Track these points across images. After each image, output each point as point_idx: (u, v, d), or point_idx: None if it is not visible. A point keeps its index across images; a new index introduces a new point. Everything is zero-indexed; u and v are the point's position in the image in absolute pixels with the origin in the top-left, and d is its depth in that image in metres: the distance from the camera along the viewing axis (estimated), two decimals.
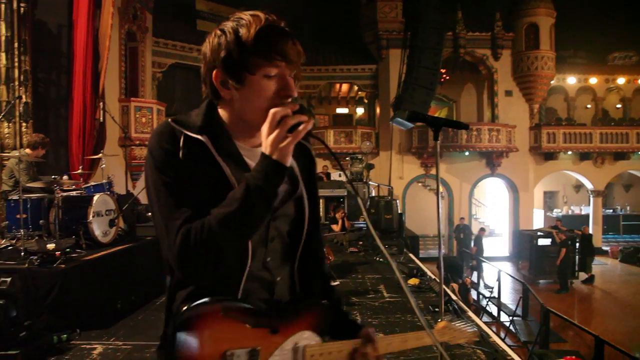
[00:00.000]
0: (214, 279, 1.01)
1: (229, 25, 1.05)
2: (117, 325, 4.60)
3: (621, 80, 22.32)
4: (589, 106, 22.81)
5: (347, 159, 15.96)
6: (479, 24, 18.38)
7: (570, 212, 21.64)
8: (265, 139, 0.98)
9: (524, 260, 16.76)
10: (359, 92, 21.14)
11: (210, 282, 1.01)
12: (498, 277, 11.71)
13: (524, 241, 17.08)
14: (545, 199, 22.88)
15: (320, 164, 17.05)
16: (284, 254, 1.16)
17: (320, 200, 11.02)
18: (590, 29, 20.75)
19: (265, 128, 0.98)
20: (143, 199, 6.86)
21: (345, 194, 12.81)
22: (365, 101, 21.46)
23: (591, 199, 19.89)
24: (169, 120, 1.09)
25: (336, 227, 9.63)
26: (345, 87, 20.91)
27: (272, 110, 0.98)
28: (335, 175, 16.05)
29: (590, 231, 17.05)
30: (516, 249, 18.31)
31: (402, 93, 13.38)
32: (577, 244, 15.04)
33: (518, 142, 18.58)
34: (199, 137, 1.06)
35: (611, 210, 22.16)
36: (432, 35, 12.78)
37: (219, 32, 1.06)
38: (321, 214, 11.79)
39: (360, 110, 23.14)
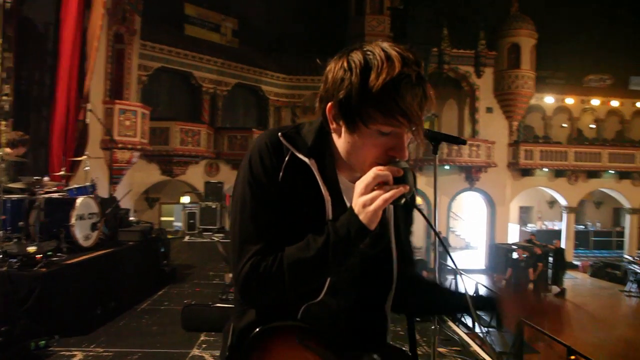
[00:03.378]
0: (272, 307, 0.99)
1: (356, 58, 0.93)
2: (98, 332, 4.53)
3: (595, 102, 23.09)
4: (564, 125, 23.48)
5: None
6: (464, 41, 18.78)
7: (543, 227, 22.13)
8: (357, 197, 0.92)
9: (499, 273, 17.06)
10: None
11: (267, 310, 1.00)
12: (475, 290, 11.88)
13: (499, 254, 17.40)
14: (521, 214, 23.35)
15: None
16: (362, 288, 1.10)
17: None
18: (568, 52, 21.41)
19: (359, 186, 0.92)
20: (124, 203, 6.81)
21: None
22: None
23: (564, 215, 20.38)
24: (280, 134, 1.02)
25: None
26: None
27: (372, 172, 0.91)
28: None
29: (563, 246, 17.50)
30: (492, 262, 18.63)
31: None
32: (551, 258, 15.39)
33: (497, 158, 18.96)
34: (306, 159, 1.00)
35: (582, 227, 22.75)
36: (419, 50, 12.99)
37: (345, 64, 0.94)
38: None
39: None
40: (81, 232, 5.14)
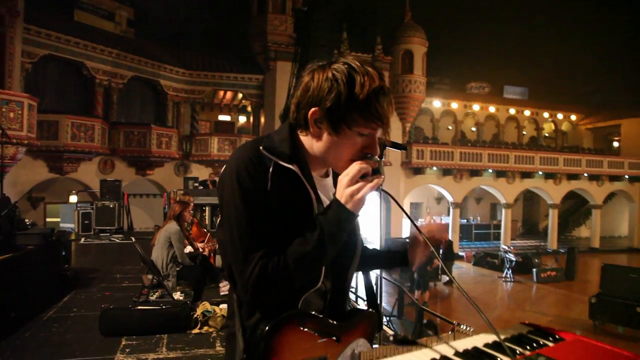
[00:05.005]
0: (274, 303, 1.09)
1: (342, 72, 1.07)
2: (1, 345, 4.14)
3: (476, 107, 25.53)
4: (450, 127, 25.67)
5: None
6: (362, 45, 19.64)
7: (432, 222, 23.82)
8: (343, 189, 1.05)
9: None
10: (243, 101, 21.16)
11: (270, 308, 1.09)
12: (377, 281, 12.56)
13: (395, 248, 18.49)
14: (411, 210, 25.02)
15: (206, 172, 16.72)
16: (337, 268, 1.24)
17: (207, 208, 10.78)
18: (453, 60, 23.42)
19: (345, 179, 1.05)
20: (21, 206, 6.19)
21: None
22: (249, 110, 21.54)
23: (451, 210, 22.25)
24: (260, 147, 1.11)
25: None
26: (229, 94, 20.77)
27: (357, 166, 1.05)
28: None
29: (450, 238, 19.13)
30: None
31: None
32: (440, 250, 16.74)
33: (391, 157, 20.13)
34: (290, 166, 1.10)
35: (465, 220, 25.01)
36: (322, 52, 13.40)
37: (331, 76, 1.07)
38: (207, 221, 11.65)
39: (242, 119, 23.14)
40: None
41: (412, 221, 1.29)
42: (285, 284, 1.05)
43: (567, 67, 31.11)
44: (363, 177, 1.06)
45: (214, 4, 19.85)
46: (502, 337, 1.21)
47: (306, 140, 1.15)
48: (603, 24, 32.59)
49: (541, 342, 1.21)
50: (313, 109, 1.09)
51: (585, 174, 23.93)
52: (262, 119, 19.46)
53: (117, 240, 11.00)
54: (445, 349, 1.17)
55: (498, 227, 24.33)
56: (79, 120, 13.53)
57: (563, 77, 30.12)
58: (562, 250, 20.17)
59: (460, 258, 20.47)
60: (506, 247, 18.41)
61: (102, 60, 15.25)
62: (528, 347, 1.17)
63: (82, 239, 11.01)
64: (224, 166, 1.16)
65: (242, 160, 1.09)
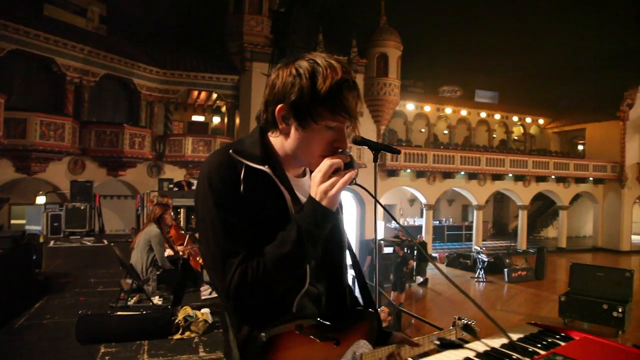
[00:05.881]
0: (266, 310, 1.05)
1: (304, 66, 1.07)
2: None
3: (448, 110, 25.97)
4: (423, 130, 26.04)
5: None
6: (338, 48, 19.70)
7: (406, 223, 24.21)
8: (317, 186, 1.05)
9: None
10: (218, 101, 20.94)
11: (261, 316, 1.05)
12: (352, 282, 12.61)
13: (370, 249, 18.62)
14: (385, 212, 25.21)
15: (180, 173, 16.47)
16: (328, 270, 1.24)
17: (182, 210, 10.63)
18: (427, 64, 23.76)
19: (317, 176, 1.05)
20: None
21: None
22: (223, 110, 21.33)
23: (424, 211, 22.53)
24: (230, 151, 1.10)
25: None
26: (203, 94, 20.51)
27: (328, 162, 1.05)
28: None
29: (424, 239, 19.38)
30: (362, 257, 19.83)
31: None
32: (415, 252, 16.93)
33: (366, 159, 20.24)
34: (262, 167, 1.09)
35: (438, 222, 25.39)
36: (299, 53, 13.37)
37: (294, 70, 1.08)
38: (182, 223, 11.47)
39: (216, 119, 22.90)
40: None
41: (390, 215, 1.28)
42: (267, 289, 1.03)
43: (535, 72, 32.00)
44: (336, 172, 1.05)
45: (190, 3, 19.57)
46: (515, 337, 1.23)
47: (277, 140, 1.15)
48: (569, 32, 33.67)
49: (553, 342, 1.23)
50: (279, 106, 1.09)
51: (553, 176, 24.64)
52: (237, 120, 19.28)
53: (89, 243, 10.70)
54: (465, 352, 1.18)
55: (470, 228, 24.77)
56: (49, 119, 13.11)
57: (531, 82, 30.95)
58: (532, 250, 20.69)
59: (434, 259, 20.74)
60: (478, 248, 18.78)
61: (73, 56, 14.79)
62: (542, 347, 1.19)
63: (52, 242, 10.65)
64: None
65: (213, 165, 1.08)
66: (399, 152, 1.57)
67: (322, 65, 1.07)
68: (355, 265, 1.38)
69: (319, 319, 1.13)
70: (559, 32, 33.55)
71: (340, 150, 1.09)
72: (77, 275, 7.27)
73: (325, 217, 1.04)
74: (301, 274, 1.11)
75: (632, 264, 21.30)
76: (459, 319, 1.68)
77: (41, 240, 8.10)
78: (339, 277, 1.28)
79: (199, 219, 1.10)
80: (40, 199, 15.58)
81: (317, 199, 1.04)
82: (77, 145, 14.41)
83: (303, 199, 1.14)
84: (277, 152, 1.15)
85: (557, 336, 1.28)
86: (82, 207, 11.87)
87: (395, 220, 1.29)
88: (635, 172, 25.84)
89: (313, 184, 1.06)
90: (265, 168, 1.10)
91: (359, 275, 1.38)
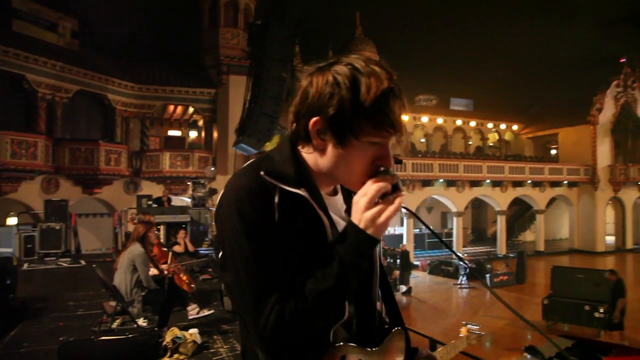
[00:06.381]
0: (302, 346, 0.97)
1: (344, 74, 0.95)
2: None
3: (425, 119, 26.31)
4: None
5: (188, 183, 15.46)
6: (314, 59, 19.71)
7: (387, 233, 24.27)
8: (362, 213, 0.93)
9: None
10: (194, 115, 20.72)
11: (297, 352, 0.96)
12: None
13: None
14: None
15: (159, 189, 16.17)
16: (358, 290, 1.14)
17: (161, 227, 10.41)
18: (402, 74, 23.96)
19: (363, 201, 0.93)
20: None
21: (189, 219, 12.37)
22: (200, 124, 21.12)
23: (404, 220, 22.63)
24: (261, 172, 0.96)
25: (179, 248, 9.21)
26: (180, 109, 20.29)
27: (374, 186, 0.93)
28: (177, 200, 15.36)
29: (406, 248, 19.43)
30: None
31: (247, 119, 13.55)
32: (398, 260, 16.96)
33: None
34: (298, 191, 0.96)
35: (418, 230, 25.49)
36: (277, 66, 13.32)
37: (331, 79, 0.95)
38: (162, 239, 11.22)
39: (193, 134, 22.66)
40: None
41: (438, 237, 1.23)
42: (306, 328, 0.93)
43: (508, 79, 32.70)
44: (383, 196, 0.93)
45: (163, 16, 19.40)
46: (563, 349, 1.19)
47: (310, 157, 1.02)
48: (540, 39, 34.62)
49: (597, 355, 1.19)
50: (314, 119, 0.96)
51: (529, 181, 25.10)
52: (215, 134, 19.10)
53: (65, 265, 10.35)
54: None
55: (450, 235, 24.98)
56: (20, 137, 12.73)
57: (505, 89, 31.62)
58: (512, 255, 20.95)
59: (416, 267, 20.82)
60: (460, 255, 18.91)
61: (45, 73, 14.44)
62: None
63: (25, 265, 10.27)
64: (219, 197, 1.00)
65: (243, 191, 0.94)
66: (400, 162, 1.49)
67: (364, 72, 0.94)
68: (384, 281, 1.29)
69: (351, 343, 1.05)
70: (530, 39, 34.47)
71: (383, 168, 0.96)
72: (54, 299, 6.98)
73: (371, 247, 0.94)
74: (341, 305, 1.01)
75: (607, 265, 21.78)
76: (466, 324, 1.63)
77: (14, 263, 7.79)
78: (368, 296, 1.19)
79: (227, 253, 0.98)
80: (12, 220, 15.04)
81: (362, 226, 0.92)
82: (51, 163, 14.02)
83: (337, 219, 1.05)
84: (310, 169, 1.02)
85: (593, 348, 1.23)
86: (57, 227, 11.50)
87: (426, 225, 1.20)
88: (607, 175, 26.56)
89: (356, 210, 0.94)
90: (302, 192, 0.97)
91: (387, 291, 1.29)
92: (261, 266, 0.93)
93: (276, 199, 0.94)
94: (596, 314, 10.87)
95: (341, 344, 1.02)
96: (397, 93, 0.96)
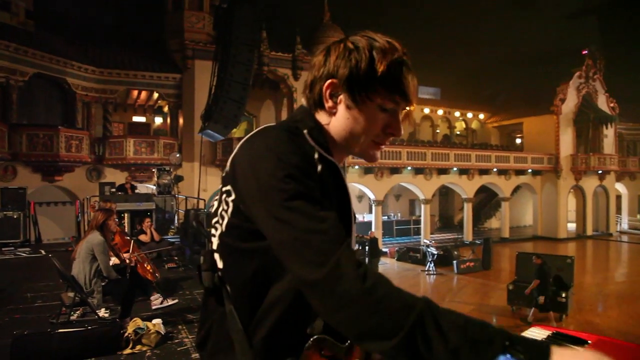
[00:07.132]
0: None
1: (362, 42, 0.96)
2: None
3: None
4: None
5: (153, 170, 15.07)
6: (282, 45, 19.48)
7: (356, 220, 24.34)
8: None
9: None
10: (159, 101, 20.17)
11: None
12: None
13: None
14: None
15: (122, 176, 15.69)
16: None
17: (125, 215, 10.13)
18: None
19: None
20: None
21: (154, 207, 12.06)
22: (165, 110, 20.61)
23: (373, 207, 22.76)
24: (304, 130, 0.95)
25: (145, 237, 8.98)
26: (144, 94, 19.70)
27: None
28: (142, 188, 14.96)
29: (375, 235, 19.55)
30: None
31: (213, 105, 13.24)
32: (366, 248, 17.04)
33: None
34: (332, 159, 0.96)
35: (386, 217, 25.75)
36: (244, 51, 13.01)
37: (350, 45, 0.96)
38: (127, 229, 10.91)
39: (158, 120, 22.11)
40: None
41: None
42: (382, 315, 0.76)
43: (474, 69, 33.21)
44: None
45: None
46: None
47: (327, 119, 1.00)
48: (505, 30, 35.20)
49: (572, 347, 1.13)
50: (329, 81, 0.97)
51: (495, 169, 25.61)
52: (181, 120, 18.66)
53: (24, 255, 9.93)
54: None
55: (418, 222, 25.29)
56: None
57: (471, 78, 32.11)
58: (478, 242, 21.37)
59: (385, 254, 21.00)
60: (427, 241, 19.18)
61: None
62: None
63: None
64: (237, 156, 0.92)
65: (281, 141, 0.88)
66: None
67: (381, 42, 0.96)
68: None
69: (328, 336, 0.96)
70: (496, 31, 35.01)
71: (391, 138, 1.00)
72: (11, 291, 6.66)
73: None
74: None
75: (568, 251, 22.54)
76: None
77: None
78: None
79: (262, 209, 0.84)
80: None
81: None
82: (7, 149, 13.39)
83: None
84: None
85: (570, 339, 1.17)
86: (15, 216, 11.02)
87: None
88: (569, 163, 27.38)
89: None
90: (335, 159, 0.97)
91: None
92: (319, 208, 0.82)
93: (316, 155, 0.92)
94: (558, 299, 11.18)
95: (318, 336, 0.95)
96: (410, 66, 0.98)
